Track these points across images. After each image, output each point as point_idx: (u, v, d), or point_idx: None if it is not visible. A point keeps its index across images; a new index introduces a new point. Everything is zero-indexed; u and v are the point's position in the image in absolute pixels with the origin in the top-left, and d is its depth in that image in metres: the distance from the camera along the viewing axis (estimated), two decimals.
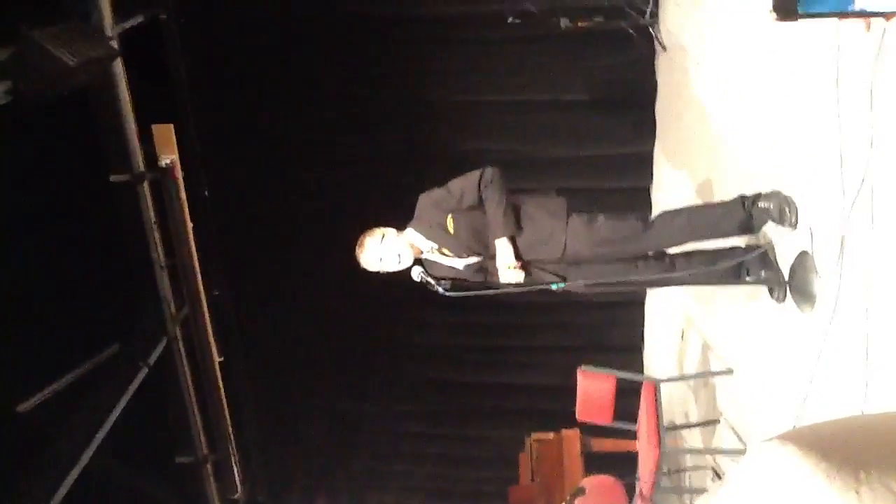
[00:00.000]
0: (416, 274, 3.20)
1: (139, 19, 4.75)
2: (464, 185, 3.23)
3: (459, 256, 3.31)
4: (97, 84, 4.33)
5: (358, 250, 3.32)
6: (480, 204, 3.22)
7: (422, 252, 3.36)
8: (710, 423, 4.38)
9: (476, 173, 3.21)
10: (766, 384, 3.47)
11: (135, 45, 4.65)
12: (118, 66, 4.49)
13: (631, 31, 4.88)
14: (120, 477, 4.78)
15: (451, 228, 3.26)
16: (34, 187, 4.03)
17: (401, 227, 3.37)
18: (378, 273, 3.37)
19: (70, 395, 4.30)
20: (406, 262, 3.31)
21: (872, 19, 2.24)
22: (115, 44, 4.35)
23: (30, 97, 3.58)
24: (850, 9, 2.09)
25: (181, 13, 5.14)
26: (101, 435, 4.34)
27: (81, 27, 4.07)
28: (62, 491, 3.88)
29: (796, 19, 2.14)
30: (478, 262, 3.32)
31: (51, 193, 4.10)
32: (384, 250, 3.28)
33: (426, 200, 3.32)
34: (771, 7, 2.14)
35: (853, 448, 0.57)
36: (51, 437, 4.16)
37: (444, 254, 3.34)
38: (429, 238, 3.31)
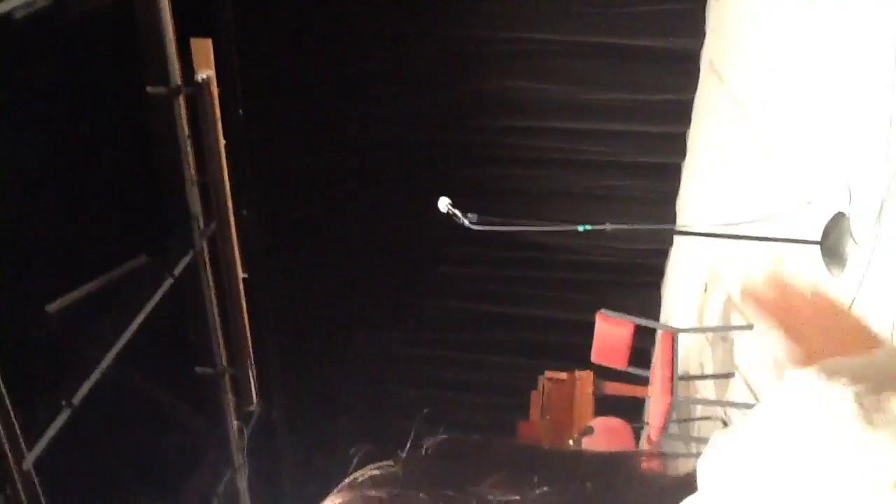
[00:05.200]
0: (444, 205, 3.18)
1: None
2: None
3: None
4: None
5: None
6: None
7: None
8: (724, 376, 4.39)
9: None
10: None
11: None
12: None
13: None
14: (139, 383, 4.93)
15: None
16: (72, 94, 4.06)
17: None
18: None
19: (97, 301, 4.41)
20: None
21: None
22: None
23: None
24: None
25: None
26: (123, 341, 4.46)
27: None
28: (82, 392, 4.02)
29: None
30: None
31: (88, 102, 4.12)
32: None
33: None
34: None
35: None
36: (75, 338, 4.28)
37: None
38: None
